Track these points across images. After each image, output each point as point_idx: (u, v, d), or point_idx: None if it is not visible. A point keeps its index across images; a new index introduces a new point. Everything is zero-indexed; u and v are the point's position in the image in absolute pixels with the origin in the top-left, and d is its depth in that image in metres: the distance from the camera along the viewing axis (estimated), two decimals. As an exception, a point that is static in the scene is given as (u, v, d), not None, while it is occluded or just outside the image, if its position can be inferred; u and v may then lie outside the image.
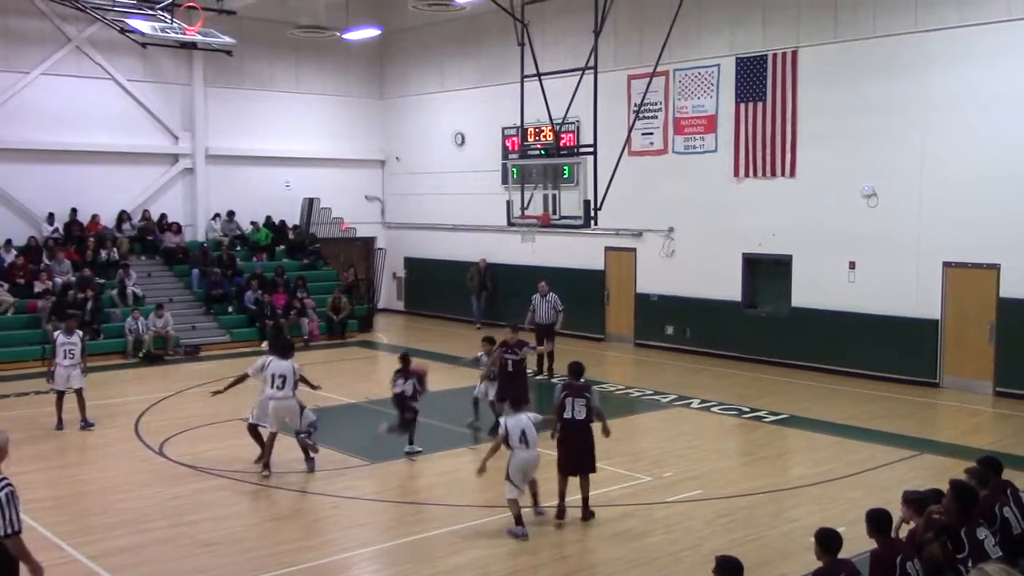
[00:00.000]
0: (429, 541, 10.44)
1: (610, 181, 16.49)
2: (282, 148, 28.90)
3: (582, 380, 11.40)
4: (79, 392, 15.70)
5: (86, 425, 15.57)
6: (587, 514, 10.99)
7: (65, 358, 15.66)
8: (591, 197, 16.36)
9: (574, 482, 10.99)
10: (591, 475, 11.03)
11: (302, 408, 12.97)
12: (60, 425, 15.58)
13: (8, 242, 23.95)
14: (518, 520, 10.54)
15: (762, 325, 21.41)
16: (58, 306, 21.80)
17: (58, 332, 16.20)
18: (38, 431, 15.43)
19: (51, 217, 25.08)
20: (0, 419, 15.28)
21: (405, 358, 14.38)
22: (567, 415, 10.92)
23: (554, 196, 16.95)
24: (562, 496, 10.97)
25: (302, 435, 12.97)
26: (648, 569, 9.64)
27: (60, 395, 15.70)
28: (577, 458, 10.93)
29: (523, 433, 10.55)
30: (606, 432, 11.30)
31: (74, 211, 25.35)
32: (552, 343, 19.62)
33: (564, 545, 10.33)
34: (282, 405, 12.74)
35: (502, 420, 11.08)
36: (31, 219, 25.02)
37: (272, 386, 12.70)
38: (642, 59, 22.22)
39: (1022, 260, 17.31)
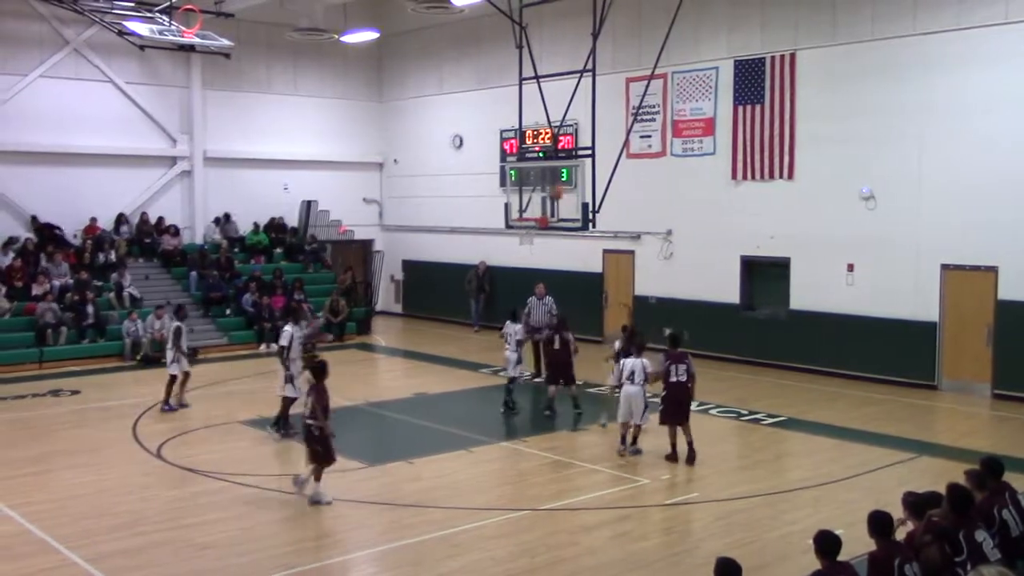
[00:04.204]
0: (428, 544, 10.42)
1: (608, 183, 16.47)
2: (280, 151, 28.88)
3: (679, 349, 13.78)
4: (173, 376, 16.77)
5: (167, 408, 16.61)
6: (691, 456, 13.33)
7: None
8: (589, 199, 16.37)
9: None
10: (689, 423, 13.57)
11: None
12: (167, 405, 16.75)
13: (6, 244, 23.90)
14: (623, 440, 13.81)
15: (760, 328, 21.40)
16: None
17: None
18: (34, 434, 15.43)
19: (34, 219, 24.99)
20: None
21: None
22: (672, 379, 13.43)
23: (552, 198, 16.93)
24: (673, 445, 13.48)
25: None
26: (646, 572, 9.63)
27: (172, 378, 16.79)
28: (675, 410, 13.43)
29: (632, 372, 13.63)
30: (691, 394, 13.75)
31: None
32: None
33: (561, 548, 10.31)
34: None
35: (624, 360, 13.98)
36: (29, 222, 25.00)
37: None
38: (640, 62, 22.21)
39: (1020, 262, 17.31)
